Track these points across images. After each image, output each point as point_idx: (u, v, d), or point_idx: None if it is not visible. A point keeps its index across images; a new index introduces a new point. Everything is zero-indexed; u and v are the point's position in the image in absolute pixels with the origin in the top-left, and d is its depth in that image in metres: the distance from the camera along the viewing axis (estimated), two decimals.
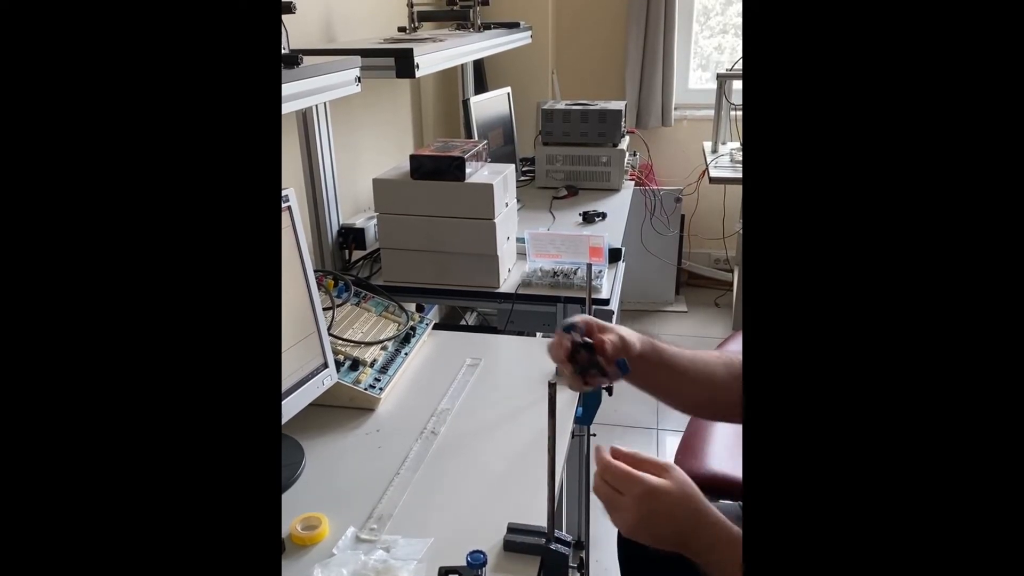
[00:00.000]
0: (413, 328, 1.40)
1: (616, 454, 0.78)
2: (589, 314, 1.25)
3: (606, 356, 0.87)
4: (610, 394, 1.28)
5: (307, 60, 1.17)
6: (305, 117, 1.61)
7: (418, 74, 1.58)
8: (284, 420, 1.04)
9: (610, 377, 0.87)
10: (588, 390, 0.91)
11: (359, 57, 1.37)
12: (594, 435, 1.55)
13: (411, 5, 2.10)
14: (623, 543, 1.27)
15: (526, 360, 1.41)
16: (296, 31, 1.41)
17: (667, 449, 2.41)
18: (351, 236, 1.77)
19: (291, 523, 0.93)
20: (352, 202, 2.01)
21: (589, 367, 0.87)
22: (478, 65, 2.87)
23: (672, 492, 0.74)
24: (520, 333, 1.65)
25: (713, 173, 2.78)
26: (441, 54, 1.75)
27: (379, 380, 1.24)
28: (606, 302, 1.57)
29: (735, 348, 1.03)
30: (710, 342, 2.71)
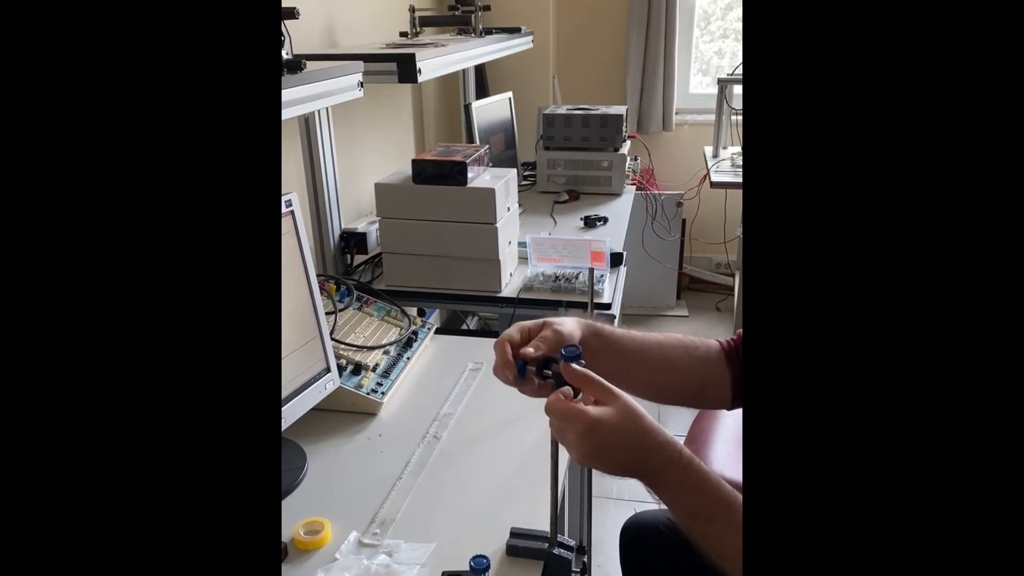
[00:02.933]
0: (415, 332, 1.40)
1: (566, 371, 0.76)
2: (591, 318, 1.25)
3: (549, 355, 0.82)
4: None
5: (309, 65, 1.17)
6: (307, 122, 1.62)
7: (420, 79, 1.58)
8: (286, 425, 1.04)
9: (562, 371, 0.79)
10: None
11: (361, 62, 1.37)
12: None
13: (413, 10, 2.10)
14: (624, 546, 1.27)
15: None
16: (299, 36, 1.41)
17: None
18: (353, 240, 1.77)
19: (293, 528, 0.93)
20: (354, 206, 2.01)
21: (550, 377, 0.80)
22: (479, 70, 2.87)
23: (613, 421, 0.72)
24: None
25: (714, 177, 2.78)
26: (443, 59, 1.75)
27: (381, 384, 1.24)
28: (608, 306, 1.57)
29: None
30: None
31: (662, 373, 0.95)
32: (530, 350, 0.81)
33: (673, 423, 2.48)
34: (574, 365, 0.77)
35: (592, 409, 0.73)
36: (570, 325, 0.87)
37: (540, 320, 0.87)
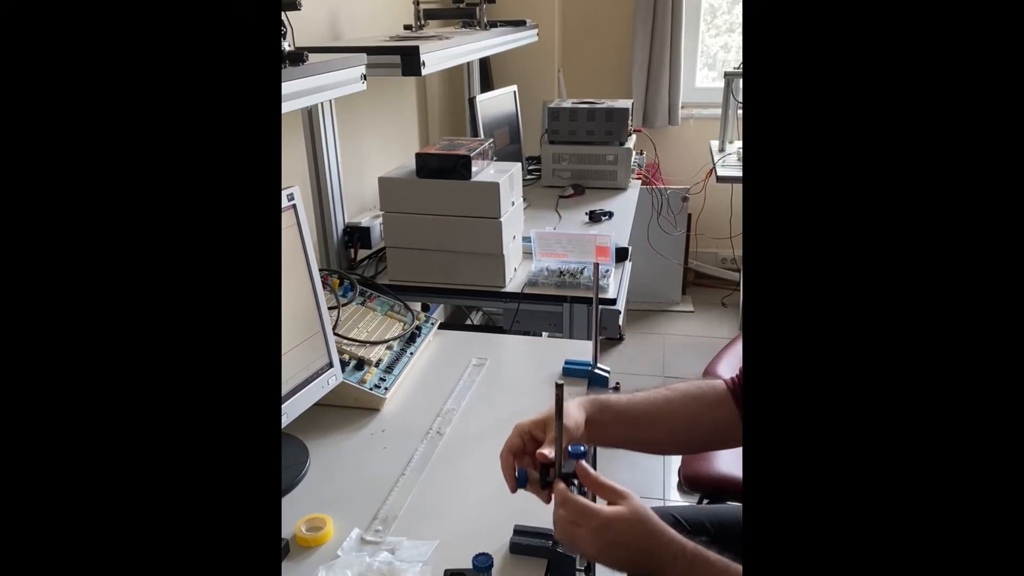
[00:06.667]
0: (418, 327, 1.39)
1: (582, 474, 0.79)
2: (596, 315, 1.24)
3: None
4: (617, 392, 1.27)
5: (313, 58, 1.16)
6: (311, 115, 1.61)
7: (424, 72, 1.57)
8: (289, 420, 1.03)
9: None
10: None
11: (365, 55, 1.36)
12: None
13: (417, 3, 2.09)
14: None
15: (532, 360, 1.40)
16: (302, 29, 1.40)
17: None
18: (356, 235, 1.76)
19: (295, 524, 0.92)
20: (358, 201, 2.00)
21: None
22: (484, 63, 2.86)
23: (625, 519, 0.75)
24: (526, 333, 1.64)
25: (720, 172, 2.77)
26: (447, 52, 1.74)
27: (384, 380, 1.23)
28: (613, 302, 1.56)
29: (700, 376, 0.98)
30: (716, 342, 2.70)
31: (675, 429, 0.95)
32: (546, 451, 0.81)
33: None
34: (587, 467, 0.79)
35: (604, 508, 0.76)
36: (574, 414, 0.87)
37: (540, 418, 0.86)
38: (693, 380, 0.99)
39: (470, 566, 0.82)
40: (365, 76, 1.35)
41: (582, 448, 0.82)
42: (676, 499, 2.11)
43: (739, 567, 0.73)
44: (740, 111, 3.01)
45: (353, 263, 1.78)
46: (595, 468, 0.83)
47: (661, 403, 0.94)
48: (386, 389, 1.22)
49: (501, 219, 1.54)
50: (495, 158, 1.67)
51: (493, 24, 2.31)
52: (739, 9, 3.41)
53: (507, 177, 1.57)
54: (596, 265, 1.26)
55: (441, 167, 1.54)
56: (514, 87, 2.54)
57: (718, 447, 0.99)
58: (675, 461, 1.89)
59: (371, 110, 2.12)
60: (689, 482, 1.50)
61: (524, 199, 1.80)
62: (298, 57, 1.11)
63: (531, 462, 0.84)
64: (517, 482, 0.84)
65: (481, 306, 2.48)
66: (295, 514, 0.94)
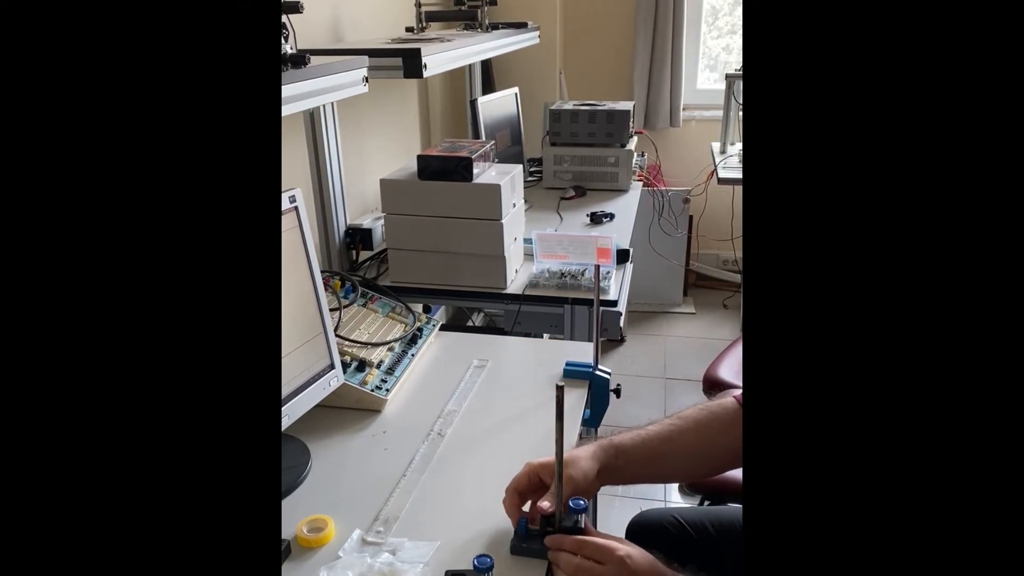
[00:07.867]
0: (420, 329, 1.39)
1: (589, 532, 0.84)
2: (597, 316, 1.24)
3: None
4: (618, 396, 1.27)
5: (314, 60, 1.16)
6: (312, 117, 1.61)
7: (425, 74, 1.57)
8: (290, 422, 1.03)
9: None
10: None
11: (366, 57, 1.36)
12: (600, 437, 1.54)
13: (419, 5, 2.09)
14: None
15: (533, 361, 1.41)
16: (304, 31, 1.40)
17: None
18: (358, 236, 1.76)
19: (297, 525, 0.92)
20: (359, 202, 2.01)
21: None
22: (486, 65, 2.86)
23: (638, 552, 0.80)
24: (527, 334, 1.64)
25: (721, 174, 2.77)
26: (448, 54, 1.74)
27: (385, 381, 1.23)
28: (614, 303, 1.56)
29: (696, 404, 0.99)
30: (718, 344, 2.70)
31: (691, 459, 0.96)
32: (545, 504, 0.85)
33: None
34: (591, 526, 0.84)
35: (623, 546, 0.81)
36: (585, 466, 0.89)
37: (549, 461, 0.87)
38: (705, 403, 0.99)
39: (471, 567, 0.82)
40: (367, 78, 1.35)
41: (582, 503, 0.85)
42: (677, 500, 2.11)
43: None
44: (741, 113, 3.02)
45: (355, 265, 1.78)
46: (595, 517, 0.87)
47: (674, 435, 0.94)
48: (387, 390, 1.22)
49: (502, 221, 1.55)
50: (496, 160, 1.67)
51: (494, 26, 2.31)
52: (741, 11, 3.41)
53: (508, 179, 1.57)
54: (597, 267, 1.27)
55: (442, 169, 1.54)
56: (515, 89, 2.55)
57: (737, 466, 0.98)
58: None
59: (373, 112, 2.12)
60: (690, 483, 1.50)
61: (525, 201, 1.80)
62: (300, 59, 1.11)
63: (533, 506, 0.87)
64: (519, 525, 0.87)
65: (482, 307, 2.49)
66: (296, 515, 0.94)
